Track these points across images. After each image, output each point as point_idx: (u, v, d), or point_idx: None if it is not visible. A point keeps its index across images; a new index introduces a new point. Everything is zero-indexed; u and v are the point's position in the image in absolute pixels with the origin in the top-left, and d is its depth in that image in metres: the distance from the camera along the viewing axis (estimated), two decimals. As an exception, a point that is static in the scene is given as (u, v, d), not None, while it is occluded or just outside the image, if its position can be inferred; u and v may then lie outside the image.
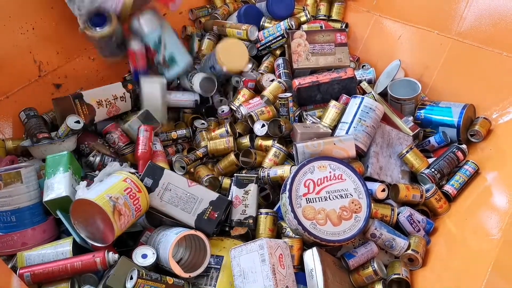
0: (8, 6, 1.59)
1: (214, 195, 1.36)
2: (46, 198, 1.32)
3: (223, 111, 1.76)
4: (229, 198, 1.41)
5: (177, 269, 1.20)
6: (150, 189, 1.32)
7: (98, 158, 1.52)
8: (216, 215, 1.32)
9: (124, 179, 1.26)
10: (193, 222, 1.32)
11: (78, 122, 1.54)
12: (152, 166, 1.36)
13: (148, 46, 1.72)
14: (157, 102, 1.73)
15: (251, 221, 1.37)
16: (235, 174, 1.45)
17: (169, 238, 1.23)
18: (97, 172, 1.47)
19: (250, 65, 1.82)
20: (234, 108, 1.73)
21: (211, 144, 1.62)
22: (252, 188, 1.41)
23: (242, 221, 1.37)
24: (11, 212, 1.29)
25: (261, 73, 1.83)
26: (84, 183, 1.31)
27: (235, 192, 1.41)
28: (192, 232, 1.26)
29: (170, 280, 1.17)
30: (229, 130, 1.64)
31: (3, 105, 1.60)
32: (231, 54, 1.74)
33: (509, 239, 1.09)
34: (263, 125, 1.60)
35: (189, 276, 1.21)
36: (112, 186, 1.22)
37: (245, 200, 1.40)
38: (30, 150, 1.50)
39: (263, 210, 1.38)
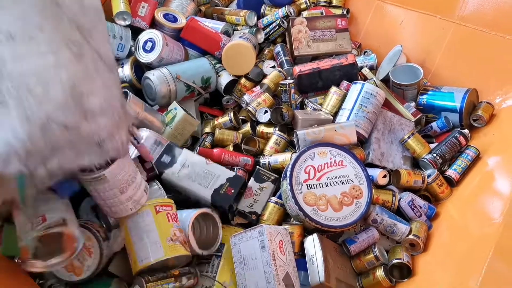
0: None
1: (231, 173, 1.38)
2: None
3: (227, 102, 1.76)
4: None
5: (194, 244, 1.22)
6: (168, 165, 1.35)
7: None
8: (232, 191, 1.33)
9: (156, 213, 1.17)
10: (209, 196, 1.33)
11: None
12: (171, 145, 1.39)
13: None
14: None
15: (254, 217, 1.36)
16: (257, 167, 1.45)
17: (187, 215, 1.26)
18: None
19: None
20: (237, 99, 1.73)
21: (218, 134, 1.61)
22: (268, 186, 1.40)
23: (246, 214, 1.36)
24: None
25: (262, 60, 1.83)
26: None
27: (250, 183, 1.41)
28: (206, 210, 1.28)
29: (176, 271, 1.16)
30: (233, 119, 1.64)
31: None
32: (236, 59, 1.71)
33: (510, 223, 1.08)
34: (266, 112, 1.60)
35: (202, 253, 1.24)
36: (160, 229, 1.15)
37: (257, 195, 1.39)
38: None
39: (277, 200, 1.38)
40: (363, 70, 1.77)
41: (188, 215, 1.26)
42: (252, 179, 1.42)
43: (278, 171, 1.45)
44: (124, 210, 1.13)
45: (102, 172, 1.07)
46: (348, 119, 1.49)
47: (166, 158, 1.36)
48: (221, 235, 1.30)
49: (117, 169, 1.10)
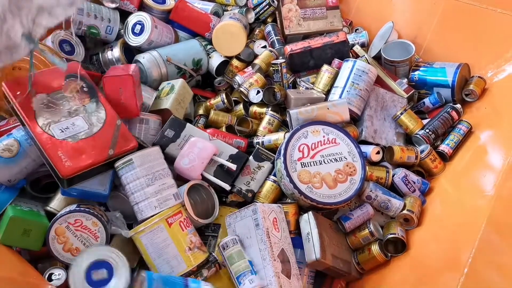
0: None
1: (234, 150, 1.39)
2: None
3: (219, 83, 1.75)
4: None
5: (191, 211, 1.24)
6: (171, 140, 1.36)
7: None
8: (234, 168, 1.34)
9: (169, 225, 1.16)
10: (212, 173, 1.34)
11: None
12: (175, 119, 1.39)
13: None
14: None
15: (250, 195, 1.36)
16: (257, 146, 1.45)
17: (181, 188, 1.27)
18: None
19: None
20: (229, 80, 1.72)
21: (213, 114, 1.60)
22: (266, 166, 1.40)
23: (243, 192, 1.36)
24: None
25: (253, 40, 1.81)
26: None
27: (249, 161, 1.41)
28: (198, 181, 1.31)
29: (193, 268, 1.15)
30: (225, 100, 1.63)
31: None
32: (226, 39, 1.69)
33: (502, 195, 1.09)
34: (258, 92, 1.59)
35: (197, 220, 1.25)
36: (177, 242, 1.16)
37: (254, 173, 1.39)
38: None
39: (275, 179, 1.37)
40: (354, 48, 1.76)
41: (182, 188, 1.27)
42: (251, 157, 1.42)
43: (272, 151, 1.45)
44: (149, 208, 1.16)
45: (130, 156, 1.16)
46: (340, 97, 1.48)
47: (169, 133, 1.36)
48: (217, 204, 1.32)
49: (145, 156, 1.18)
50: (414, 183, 1.36)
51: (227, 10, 1.90)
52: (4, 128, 1.35)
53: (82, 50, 1.59)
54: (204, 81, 1.81)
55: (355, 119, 1.51)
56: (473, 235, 1.05)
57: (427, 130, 1.44)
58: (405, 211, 1.29)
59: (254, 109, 1.61)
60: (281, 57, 1.70)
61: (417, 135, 1.45)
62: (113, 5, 1.65)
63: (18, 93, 1.15)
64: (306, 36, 1.79)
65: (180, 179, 1.32)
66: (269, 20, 1.90)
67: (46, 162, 1.17)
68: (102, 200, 1.25)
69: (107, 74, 1.37)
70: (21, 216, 1.14)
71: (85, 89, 1.25)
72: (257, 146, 1.46)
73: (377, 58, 1.74)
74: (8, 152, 1.18)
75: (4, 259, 1.10)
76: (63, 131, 1.17)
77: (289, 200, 1.34)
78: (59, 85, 1.24)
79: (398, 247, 1.28)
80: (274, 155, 1.41)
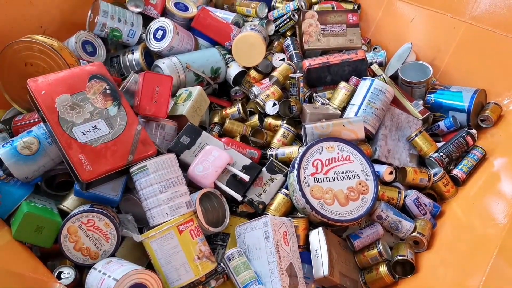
0: None
1: (247, 160, 1.40)
2: None
3: (236, 93, 1.77)
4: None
5: (202, 219, 1.24)
6: (187, 146, 1.37)
7: None
8: (247, 180, 1.34)
9: (180, 233, 1.17)
10: (224, 182, 1.35)
11: None
12: (191, 126, 1.41)
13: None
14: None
15: (261, 206, 1.36)
16: (271, 158, 1.46)
17: (193, 195, 1.28)
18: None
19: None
20: (245, 91, 1.74)
21: (228, 123, 1.61)
22: (279, 178, 1.41)
23: (254, 203, 1.36)
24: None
25: (272, 52, 1.83)
26: None
27: (262, 173, 1.42)
28: (210, 189, 1.31)
29: (202, 277, 1.16)
30: (241, 110, 1.64)
31: None
32: (246, 50, 1.70)
33: (516, 224, 1.09)
34: (274, 104, 1.60)
35: (208, 228, 1.24)
36: (186, 250, 1.17)
37: (266, 185, 1.39)
38: None
39: (287, 192, 1.37)
40: (372, 67, 1.77)
41: (194, 195, 1.28)
42: (264, 169, 1.42)
43: (285, 164, 1.46)
44: (161, 214, 1.17)
45: (145, 162, 1.18)
46: (356, 114, 1.49)
47: (185, 139, 1.38)
48: (228, 214, 1.32)
49: (160, 163, 1.19)
50: (426, 205, 1.36)
51: (248, 21, 1.92)
52: (20, 124, 1.37)
53: (104, 52, 1.62)
54: (220, 89, 1.83)
55: (370, 138, 1.51)
56: (484, 263, 1.05)
57: (441, 154, 1.44)
58: (415, 234, 1.28)
59: (269, 121, 1.62)
60: (298, 71, 1.71)
61: (431, 158, 1.45)
62: (138, 10, 1.67)
63: (43, 92, 1.17)
64: (324, 52, 1.80)
65: (192, 186, 1.33)
66: (288, 33, 1.91)
67: (67, 164, 1.18)
68: (112, 205, 1.26)
69: (149, 71, 1.44)
70: (35, 213, 1.15)
71: (108, 91, 1.26)
72: (271, 158, 1.46)
73: (394, 78, 1.75)
74: (28, 150, 1.20)
75: (17, 255, 1.11)
76: (85, 134, 1.18)
77: (300, 215, 1.35)
78: (82, 86, 1.25)
79: (407, 269, 1.27)
80: (287, 168, 1.42)
